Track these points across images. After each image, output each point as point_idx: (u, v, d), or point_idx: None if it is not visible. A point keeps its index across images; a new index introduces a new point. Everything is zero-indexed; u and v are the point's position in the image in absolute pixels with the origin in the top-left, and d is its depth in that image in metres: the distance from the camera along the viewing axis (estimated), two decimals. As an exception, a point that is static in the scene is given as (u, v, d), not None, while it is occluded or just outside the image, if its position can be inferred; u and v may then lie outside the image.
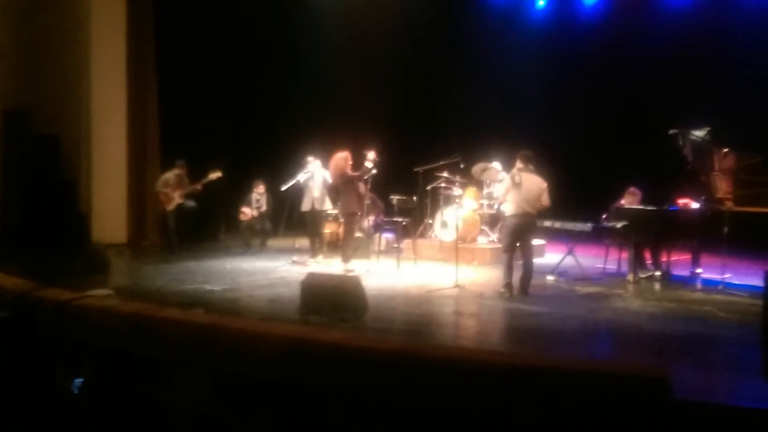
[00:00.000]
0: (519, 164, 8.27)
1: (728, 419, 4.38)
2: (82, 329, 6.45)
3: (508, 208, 8.19)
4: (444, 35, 14.40)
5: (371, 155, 9.99)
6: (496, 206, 11.38)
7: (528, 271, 8.22)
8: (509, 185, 8.13)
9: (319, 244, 10.73)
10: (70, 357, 5.70)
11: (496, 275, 9.77)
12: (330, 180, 10.23)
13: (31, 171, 11.79)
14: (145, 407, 3.85)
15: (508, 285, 8.10)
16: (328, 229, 11.25)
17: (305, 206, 10.43)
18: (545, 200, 8.20)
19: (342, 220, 10.42)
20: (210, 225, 12.96)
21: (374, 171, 10.16)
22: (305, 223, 10.78)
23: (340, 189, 9.89)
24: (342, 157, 9.79)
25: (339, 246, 10.82)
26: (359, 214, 10.16)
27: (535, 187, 8.11)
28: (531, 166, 8.23)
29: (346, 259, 9.69)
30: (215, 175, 11.39)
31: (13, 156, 11.78)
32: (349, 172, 9.75)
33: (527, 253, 8.28)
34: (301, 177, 10.51)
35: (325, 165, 10.33)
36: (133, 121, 12.35)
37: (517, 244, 8.27)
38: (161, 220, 11.75)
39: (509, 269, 8.16)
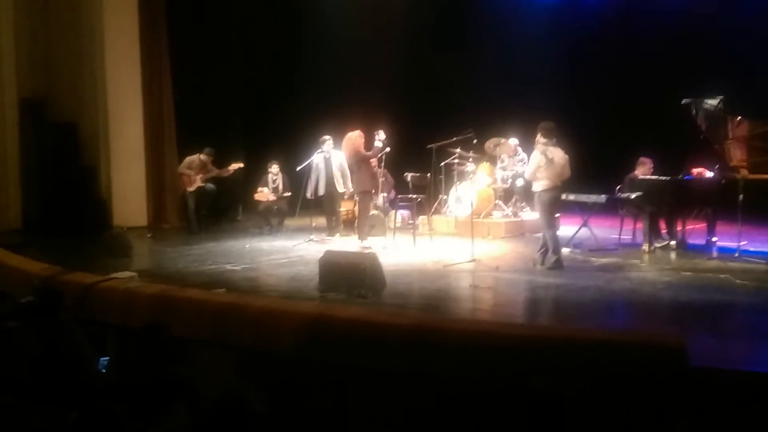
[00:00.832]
0: (542, 138, 8.11)
1: (745, 385, 4.43)
2: (107, 311, 6.63)
3: (542, 184, 8.08)
4: (453, 11, 14.31)
5: (381, 135, 10.05)
6: (519, 181, 11.42)
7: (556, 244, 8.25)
8: (542, 161, 7.98)
9: (336, 222, 10.82)
10: (96, 338, 5.85)
11: (511, 248, 9.85)
12: (345, 163, 10.32)
13: (50, 158, 11.93)
14: (170, 385, 3.95)
15: (559, 261, 8.08)
16: (344, 207, 11.33)
17: (322, 189, 10.53)
18: (568, 172, 8.20)
19: (357, 198, 10.51)
20: (228, 206, 13.08)
21: (387, 149, 10.24)
22: (322, 203, 10.87)
23: (353, 167, 9.96)
24: (356, 135, 9.87)
25: (355, 224, 10.92)
26: (373, 191, 10.24)
27: (562, 159, 8.07)
28: (554, 139, 8.15)
29: (362, 236, 9.78)
30: (236, 165, 11.55)
31: (32, 144, 11.92)
32: (363, 150, 9.83)
33: (554, 226, 8.30)
34: (316, 157, 10.57)
35: (338, 144, 10.40)
36: (149, 105, 12.44)
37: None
38: (181, 202, 11.88)
39: (558, 244, 8.16)
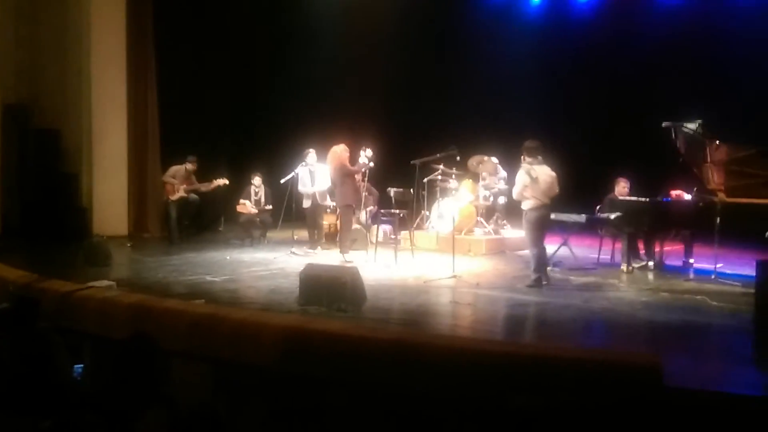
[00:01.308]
0: (527, 157, 8.20)
1: (720, 406, 4.47)
2: (84, 320, 6.57)
3: (528, 203, 8.13)
4: (440, 29, 14.43)
5: (368, 152, 10.11)
6: (500, 199, 11.50)
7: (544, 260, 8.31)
8: (527, 181, 8.05)
9: (318, 236, 10.82)
10: (72, 347, 5.80)
11: (492, 266, 9.89)
12: (328, 182, 10.38)
13: (32, 164, 11.84)
14: (144, 396, 3.92)
15: (539, 279, 8.12)
16: (326, 220, 11.34)
17: (306, 202, 10.54)
18: (556, 189, 8.24)
19: (339, 211, 10.52)
20: (210, 217, 13.03)
21: (371, 165, 10.28)
22: (305, 216, 10.88)
23: (336, 181, 9.99)
24: (341, 149, 9.91)
25: (337, 237, 10.93)
26: (354, 206, 10.25)
27: (548, 177, 8.13)
28: (539, 157, 8.22)
29: (344, 250, 9.80)
30: (222, 181, 11.51)
31: (14, 149, 11.82)
32: (347, 165, 9.86)
33: (542, 244, 8.33)
34: (299, 170, 10.58)
35: (322, 157, 10.43)
36: (134, 114, 12.39)
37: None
38: (162, 212, 11.82)
39: (542, 264, 8.19)
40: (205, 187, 11.48)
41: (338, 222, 10.97)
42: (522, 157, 8.29)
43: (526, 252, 10.89)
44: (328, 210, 11.08)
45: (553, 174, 8.20)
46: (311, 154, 10.66)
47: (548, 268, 9.25)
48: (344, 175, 9.83)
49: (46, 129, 11.95)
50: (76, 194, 11.94)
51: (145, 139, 12.51)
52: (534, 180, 8.03)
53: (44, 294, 6.70)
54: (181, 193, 11.33)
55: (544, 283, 8.16)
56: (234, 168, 12.54)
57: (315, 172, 10.63)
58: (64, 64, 11.99)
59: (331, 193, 10.64)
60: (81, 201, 11.96)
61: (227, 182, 11.59)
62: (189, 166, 11.41)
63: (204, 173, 11.65)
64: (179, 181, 11.38)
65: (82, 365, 5.66)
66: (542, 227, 8.29)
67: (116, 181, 12.19)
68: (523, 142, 8.43)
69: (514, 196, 8.36)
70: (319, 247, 10.60)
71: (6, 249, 9.91)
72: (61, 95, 12.05)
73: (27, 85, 11.99)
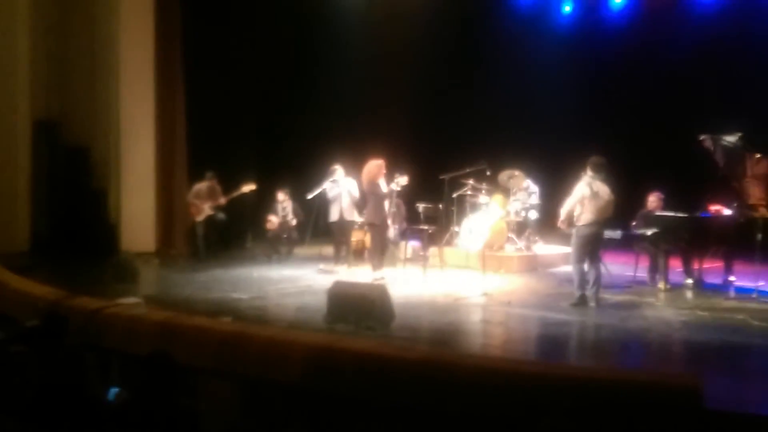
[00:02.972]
0: (590, 171, 8.03)
1: (762, 429, 4.31)
2: (111, 337, 6.55)
3: (583, 218, 7.97)
4: (469, 41, 14.36)
5: (402, 180, 9.97)
6: (532, 214, 11.34)
7: (599, 280, 8.09)
8: (586, 194, 7.91)
9: (346, 252, 10.73)
10: (102, 364, 5.77)
11: (523, 283, 9.74)
12: (356, 192, 10.27)
13: (61, 181, 11.94)
14: (175, 415, 3.86)
15: (583, 297, 7.95)
16: (354, 237, 11.26)
17: (333, 216, 10.44)
18: (611, 210, 8.08)
19: (367, 228, 10.44)
20: (237, 234, 13.04)
21: (398, 189, 10.09)
22: (332, 232, 10.80)
23: (368, 197, 9.89)
24: (376, 165, 9.78)
25: (366, 254, 10.86)
26: (378, 224, 10.06)
27: (607, 196, 7.99)
28: (602, 174, 8.06)
29: (375, 267, 9.70)
30: (248, 187, 11.53)
31: (43, 166, 11.93)
32: (377, 185, 9.71)
33: (597, 262, 8.14)
34: (327, 186, 10.53)
35: (354, 173, 10.36)
36: (162, 131, 12.46)
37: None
38: (189, 229, 11.84)
39: (584, 281, 8.01)
40: (228, 198, 11.45)
41: (366, 238, 10.92)
42: (585, 170, 8.10)
43: (559, 269, 10.83)
44: (356, 226, 10.99)
45: (612, 195, 8.04)
46: (339, 171, 10.60)
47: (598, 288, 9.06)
48: (371, 193, 9.74)
49: (75, 145, 12.06)
50: (104, 210, 12.01)
51: (173, 155, 12.57)
52: (594, 194, 7.88)
53: (72, 311, 6.70)
54: (207, 211, 11.36)
55: (591, 304, 7.94)
56: (262, 184, 12.53)
57: (342, 188, 10.57)
58: (93, 80, 12.12)
59: (359, 207, 10.54)
60: (109, 217, 12.03)
61: (254, 187, 11.58)
62: (208, 182, 11.48)
63: (232, 189, 11.65)
64: (202, 199, 11.42)
65: (117, 388, 5.60)
66: (592, 244, 8.09)
67: (144, 197, 12.25)
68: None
69: (566, 207, 8.10)
70: (346, 265, 10.49)
71: (35, 265, 9.99)
72: (90, 111, 12.17)
73: (57, 101, 12.12)
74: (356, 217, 10.72)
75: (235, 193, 11.51)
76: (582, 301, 7.92)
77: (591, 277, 8.06)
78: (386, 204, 9.85)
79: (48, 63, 12.04)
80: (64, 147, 12.05)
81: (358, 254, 11.07)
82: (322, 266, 10.28)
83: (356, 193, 10.34)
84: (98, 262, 9.96)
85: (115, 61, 11.95)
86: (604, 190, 7.98)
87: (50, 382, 4.49)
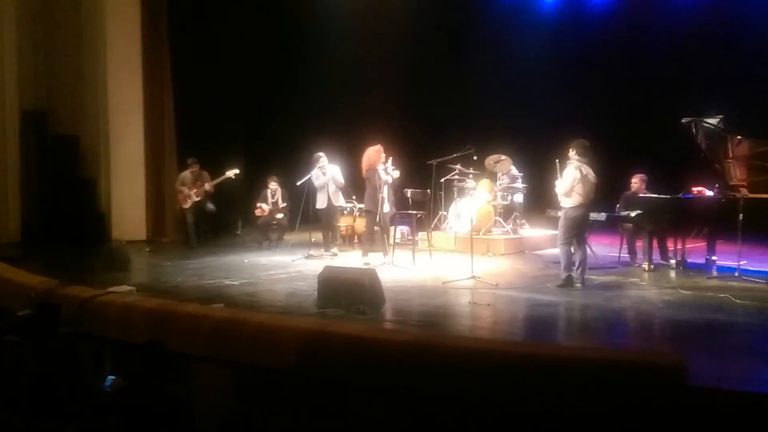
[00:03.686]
0: (576, 155, 8.10)
1: (745, 405, 4.40)
2: (104, 325, 6.60)
3: (572, 200, 8.03)
4: (455, 28, 14.38)
5: (395, 174, 9.88)
6: (518, 198, 11.46)
7: (585, 261, 8.20)
8: (577, 177, 7.96)
9: (332, 238, 10.79)
10: (95, 353, 5.83)
11: (510, 266, 9.83)
12: (340, 178, 10.32)
13: (50, 170, 11.94)
14: (168, 403, 3.92)
15: (569, 278, 8.04)
16: (343, 222, 11.33)
17: (321, 203, 10.49)
18: (593, 192, 8.17)
19: (359, 214, 10.50)
20: (227, 221, 13.07)
21: (389, 180, 10.02)
22: (320, 219, 10.86)
23: (366, 183, 9.94)
24: (375, 150, 9.81)
25: (355, 240, 10.96)
26: (373, 211, 10.10)
27: (593, 178, 8.07)
28: (587, 158, 8.11)
29: (365, 252, 9.79)
30: (233, 172, 11.53)
31: (33, 156, 11.93)
32: (379, 170, 9.73)
33: (583, 244, 8.25)
34: (315, 173, 10.56)
35: (345, 159, 10.42)
36: (150, 119, 12.46)
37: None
38: (180, 217, 11.87)
39: (570, 262, 8.10)
40: (215, 184, 11.47)
41: (354, 224, 11.02)
42: (570, 153, 8.15)
43: (545, 252, 10.95)
44: (344, 212, 11.04)
45: (596, 178, 8.13)
46: (322, 158, 10.61)
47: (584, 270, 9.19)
48: (368, 179, 9.80)
49: (64, 135, 12.05)
50: (94, 199, 12.04)
51: (162, 142, 12.58)
52: (584, 177, 7.96)
53: (65, 300, 6.74)
54: (193, 198, 11.37)
55: (578, 285, 8.05)
56: (251, 171, 12.56)
57: (327, 175, 10.61)
58: (81, 70, 12.09)
59: (346, 193, 10.59)
60: (99, 206, 12.05)
61: (237, 171, 11.59)
62: (193, 168, 11.48)
63: (219, 175, 11.67)
64: (189, 186, 11.43)
65: (113, 376, 5.67)
66: (580, 226, 8.18)
67: (134, 185, 12.27)
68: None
69: (562, 191, 8.11)
70: (333, 249, 10.55)
71: (26, 255, 10.01)
72: (78, 100, 12.15)
73: (44, 91, 12.10)
74: (343, 203, 10.79)
75: (220, 179, 11.51)
76: (568, 282, 8.02)
77: (577, 259, 8.17)
78: (384, 191, 9.85)
79: (35, 52, 12.00)
80: (52, 137, 12.04)
81: (347, 239, 11.13)
82: (311, 252, 10.34)
83: (340, 180, 10.39)
84: (89, 251, 10.00)
85: (102, 49, 11.92)
86: (590, 172, 8.07)
87: (44, 371, 4.54)
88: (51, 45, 12.14)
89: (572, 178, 8.00)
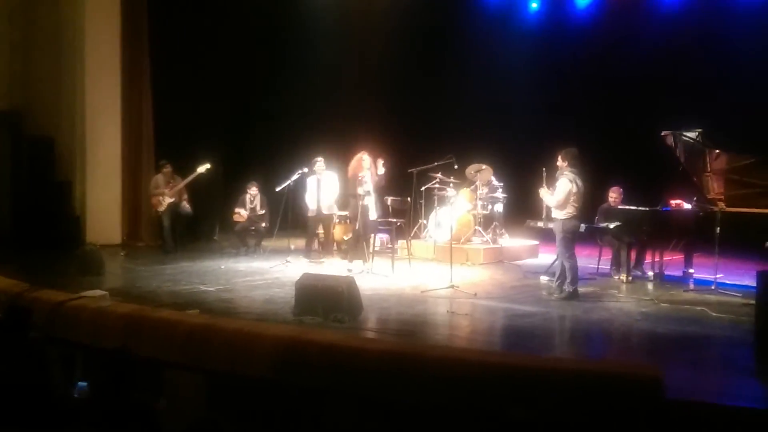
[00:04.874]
0: (568, 165, 8.00)
1: (721, 418, 4.41)
2: (77, 330, 6.48)
3: (566, 212, 7.97)
4: (438, 38, 14.42)
5: (368, 187, 9.77)
6: (498, 207, 11.48)
7: (564, 273, 8.16)
8: (573, 191, 7.89)
9: (318, 246, 10.73)
10: (66, 358, 5.71)
11: (489, 275, 9.83)
12: (333, 186, 10.33)
13: (25, 172, 11.77)
14: (139, 409, 3.84)
15: (575, 292, 8.00)
16: (323, 230, 11.27)
17: (311, 208, 10.47)
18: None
19: (338, 221, 10.45)
20: (204, 226, 12.95)
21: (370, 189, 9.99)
22: (308, 225, 10.80)
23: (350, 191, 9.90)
24: (356, 159, 9.85)
25: (335, 247, 10.92)
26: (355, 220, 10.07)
27: (583, 188, 8.02)
28: (578, 168, 8.05)
29: (351, 258, 9.80)
30: (203, 167, 11.39)
31: (7, 157, 11.76)
32: (354, 182, 9.71)
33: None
34: (309, 179, 10.48)
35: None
36: (128, 122, 12.33)
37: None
38: (156, 221, 11.72)
39: (576, 275, 8.05)
40: (187, 182, 11.35)
41: (334, 231, 10.97)
42: (561, 163, 8.07)
43: (524, 262, 10.96)
44: (336, 220, 10.98)
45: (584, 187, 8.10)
46: (319, 163, 10.58)
47: (546, 279, 9.23)
48: (351, 188, 9.78)
49: (39, 136, 11.88)
50: (69, 202, 11.87)
51: (140, 146, 12.45)
52: (578, 188, 7.92)
53: (36, 303, 6.62)
54: (167, 200, 11.23)
55: (555, 296, 8.04)
56: (230, 175, 12.45)
57: (321, 181, 10.57)
58: (57, 70, 11.93)
59: (341, 203, 10.56)
60: (74, 209, 11.88)
61: (209, 166, 11.44)
62: (164, 170, 11.37)
63: (200, 181, 11.55)
64: (161, 188, 11.30)
65: (85, 383, 5.56)
66: (575, 237, 8.18)
67: (110, 189, 12.12)
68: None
69: (555, 203, 8.02)
70: (319, 258, 10.50)
71: (-2, 257, 9.83)
72: (54, 102, 11.98)
73: (20, 91, 11.93)
74: (335, 211, 10.74)
75: (192, 176, 11.36)
76: (574, 296, 7.97)
77: (558, 270, 8.17)
78: (370, 199, 9.81)
79: (11, 51, 11.84)
80: (27, 137, 11.86)
81: (327, 247, 11.05)
82: (289, 259, 10.27)
83: (333, 187, 10.36)
84: (63, 255, 9.84)
85: (80, 49, 11.78)
86: (581, 182, 8.04)
87: (13, 376, 4.44)
88: (28, 44, 11.98)
89: (567, 192, 7.90)
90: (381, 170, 9.91)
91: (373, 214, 9.83)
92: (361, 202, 9.59)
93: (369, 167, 9.78)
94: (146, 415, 3.75)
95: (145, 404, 3.86)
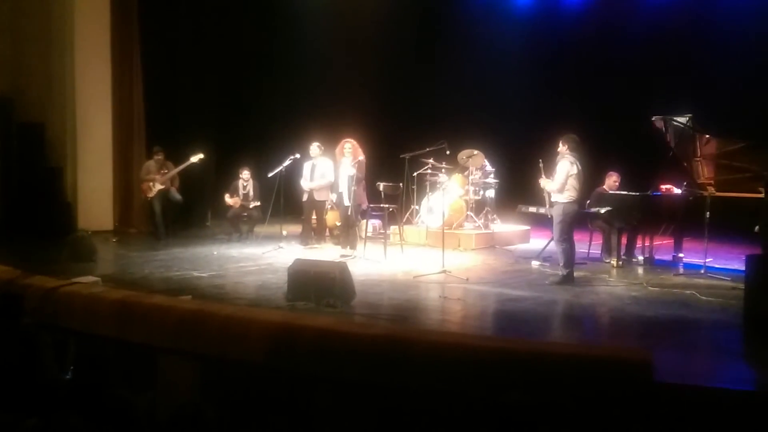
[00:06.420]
0: (568, 150, 8.06)
1: (709, 401, 4.46)
2: (69, 316, 6.48)
3: (566, 196, 8.02)
4: (430, 23, 14.39)
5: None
6: (490, 193, 11.50)
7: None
8: (573, 172, 7.95)
9: (312, 232, 10.74)
10: (58, 344, 5.71)
11: (481, 260, 9.87)
12: (328, 172, 10.34)
13: (15, 158, 11.70)
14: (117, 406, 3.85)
15: (570, 275, 8.04)
16: (315, 216, 11.26)
17: (304, 194, 10.48)
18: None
19: (330, 207, 10.47)
20: (196, 212, 12.93)
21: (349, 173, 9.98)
22: (303, 211, 10.80)
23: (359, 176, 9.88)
24: (339, 146, 9.94)
25: (327, 233, 10.93)
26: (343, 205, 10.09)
27: (583, 173, 8.08)
28: (578, 152, 8.09)
29: (345, 245, 9.81)
30: (197, 157, 11.35)
31: (-3, 143, 11.68)
32: (343, 164, 9.72)
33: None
34: (305, 163, 10.47)
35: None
36: (119, 107, 12.27)
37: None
38: (147, 207, 11.70)
39: (570, 259, 8.08)
40: (179, 170, 11.31)
41: (327, 217, 10.98)
42: (562, 148, 8.13)
43: (516, 247, 11.00)
44: (329, 206, 10.98)
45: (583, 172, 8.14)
46: (313, 148, 10.57)
47: (537, 264, 9.28)
48: (362, 173, 9.77)
49: (30, 122, 11.80)
50: (60, 189, 11.81)
51: (131, 132, 12.39)
52: (578, 172, 7.96)
53: (28, 290, 6.60)
54: (157, 186, 11.19)
55: (548, 281, 8.08)
56: (222, 161, 12.41)
57: (317, 166, 10.55)
58: (47, 55, 11.84)
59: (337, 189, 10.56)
60: (65, 195, 11.83)
61: (202, 156, 11.39)
62: (157, 157, 11.31)
63: (192, 167, 11.51)
64: (152, 175, 11.25)
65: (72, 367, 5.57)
66: (574, 221, 8.21)
67: (101, 175, 12.07)
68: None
69: (556, 187, 8.06)
70: (312, 243, 10.51)
71: (-12, 244, 9.80)
72: (44, 87, 11.90)
73: (10, 77, 11.83)
74: (329, 197, 10.74)
75: (184, 164, 11.33)
76: (569, 279, 8.01)
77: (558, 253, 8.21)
78: (344, 185, 9.82)
79: (0, 37, 11.72)
80: (18, 124, 11.78)
81: (320, 233, 11.06)
82: (282, 244, 10.27)
83: (328, 174, 10.36)
84: (54, 241, 9.81)
85: (70, 34, 11.69)
86: (581, 167, 8.07)
87: (4, 362, 4.44)
88: (17, 29, 11.87)
89: (566, 172, 7.96)
90: (360, 157, 9.91)
91: (346, 201, 9.82)
92: (339, 190, 9.65)
93: (349, 154, 9.79)
94: (124, 412, 3.74)
95: (124, 400, 3.85)
